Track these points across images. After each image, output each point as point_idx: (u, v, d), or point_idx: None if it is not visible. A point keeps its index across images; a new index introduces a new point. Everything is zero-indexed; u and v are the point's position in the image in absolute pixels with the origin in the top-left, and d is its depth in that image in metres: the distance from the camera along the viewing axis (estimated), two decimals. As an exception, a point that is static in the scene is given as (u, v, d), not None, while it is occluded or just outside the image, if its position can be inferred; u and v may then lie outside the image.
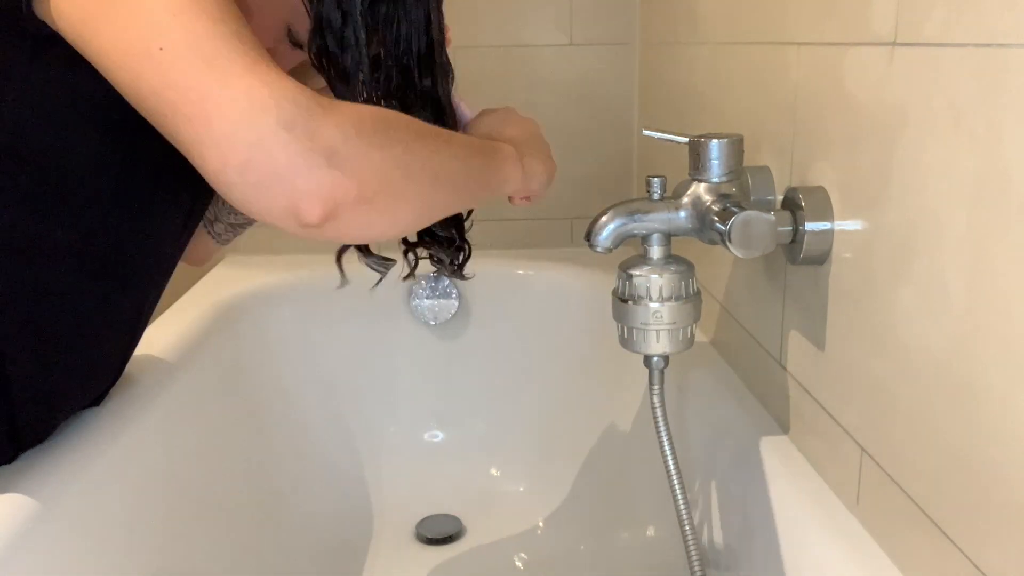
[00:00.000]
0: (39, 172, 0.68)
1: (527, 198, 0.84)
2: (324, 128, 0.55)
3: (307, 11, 0.72)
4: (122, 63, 0.56)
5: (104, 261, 0.74)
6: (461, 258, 0.94)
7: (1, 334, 0.69)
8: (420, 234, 0.90)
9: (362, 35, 0.73)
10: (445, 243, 0.91)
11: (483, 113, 0.87)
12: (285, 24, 0.75)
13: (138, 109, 0.58)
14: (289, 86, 0.55)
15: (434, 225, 0.89)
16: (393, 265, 0.90)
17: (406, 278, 0.93)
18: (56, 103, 0.66)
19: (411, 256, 0.93)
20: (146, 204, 0.77)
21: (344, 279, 0.91)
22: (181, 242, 0.88)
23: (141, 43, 0.55)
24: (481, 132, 0.84)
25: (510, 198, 0.83)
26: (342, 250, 0.90)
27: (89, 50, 0.58)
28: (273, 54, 0.76)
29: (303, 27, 0.74)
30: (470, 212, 0.91)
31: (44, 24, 0.61)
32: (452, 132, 0.73)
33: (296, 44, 0.77)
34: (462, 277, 0.96)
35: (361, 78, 0.74)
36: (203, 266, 1.04)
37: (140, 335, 0.90)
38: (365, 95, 0.75)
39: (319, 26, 0.72)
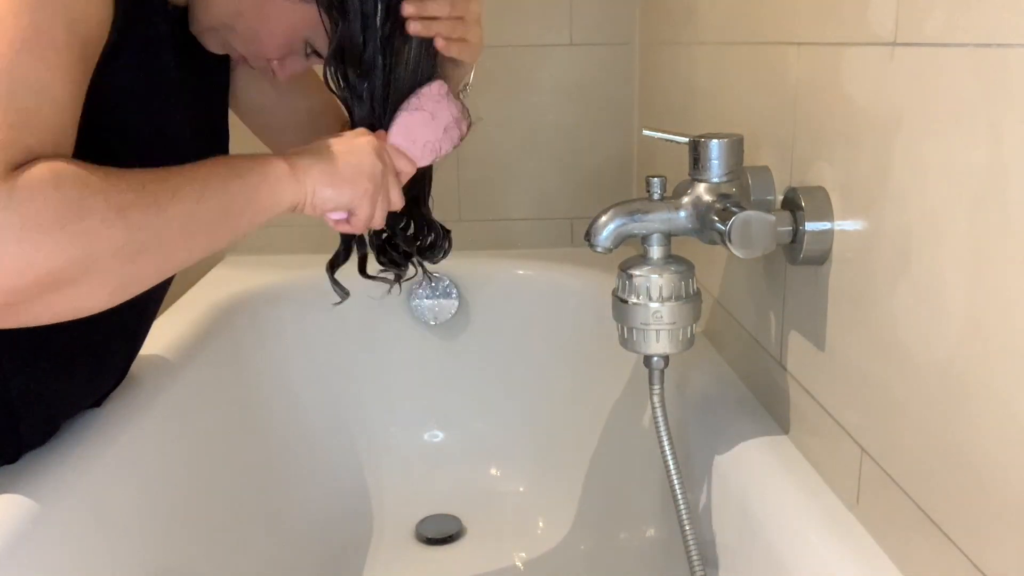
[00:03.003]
0: None
1: (346, 222, 0.75)
2: None
3: (326, 31, 0.74)
4: None
5: None
6: (432, 243, 0.92)
7: (1, 339, 0.69)
8: (384, 246, 0.89)
9: (379, 60, 0.75)
10: (415, 251, 0.91)
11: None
12: (302, 38, 0.77)
13: None
14: None
15: (398, 238, 0.88)
16: (392, 280, 0.91)
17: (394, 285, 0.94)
18: None
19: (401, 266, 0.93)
20: None
21: (343, 293, 0.91)
22: None
23: None
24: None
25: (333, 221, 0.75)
26: (332, 266, 0.89)
27: None
28: (282, 63, 0.79)
29: (321, 43, 0.76)
30: (426, 194, 0.88)
31: None
32: (187, 169, 0.62)
33: (315, 54, 0.78)
34: (433, 260, 0.93)
35: (376, 98, 0.77)
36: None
37: (142, 339, 0.90)
38: (378, 113, 0.78)
39: (340, 47, 0.74)
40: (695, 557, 0.79)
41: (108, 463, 0.83)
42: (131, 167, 0.71)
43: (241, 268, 1.48)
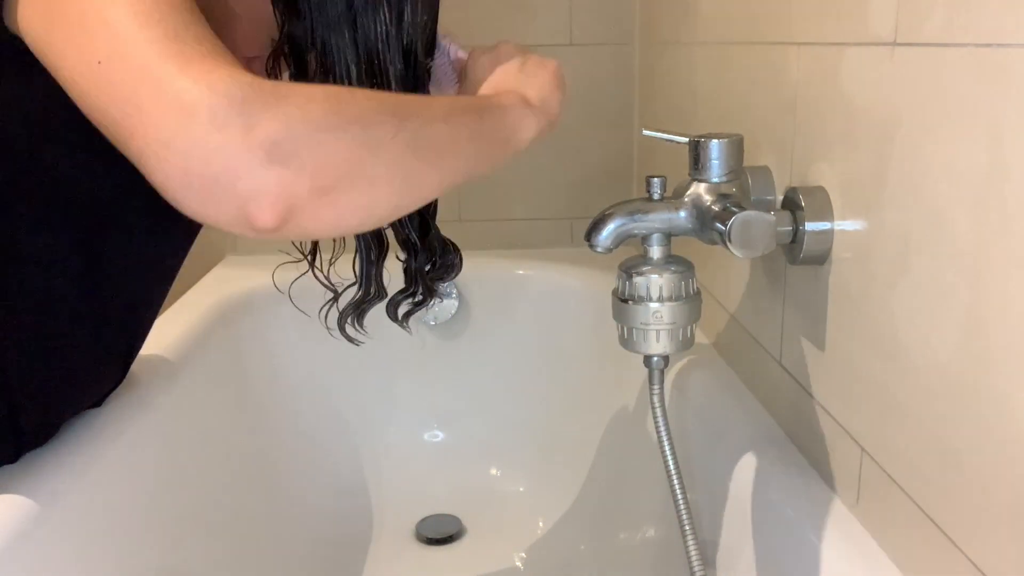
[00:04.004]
0: (37, 182, 0.68)
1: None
2: (262, 121, 0.48)
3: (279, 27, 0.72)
4: (72, 80, 0.53)
5: (105, 269, 0.74)
6: (446, 261, 0.91)
7: (1, 339, 0.69)
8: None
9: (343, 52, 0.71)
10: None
11: (473, 54, 0.80)
12: (269, 37, 0.73)
13: (99, 128, 0.53)
14: (224, 77, 0.49)
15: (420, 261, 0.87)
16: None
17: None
18: (41, 117, 0.64)
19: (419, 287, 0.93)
20: (145, 213, 0.77)
21: (357, 342, 0.93)
22: (184, 246, 0.88)
23: (82, 58, 0.51)
24: (476, 78, 0.76)
25: None
26: (356, 310, 0.91)
27: (48, 65, 0.55)
28: (258, 61, 0.76)
29: None
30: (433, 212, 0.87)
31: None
32: (432, 97, 0.65)
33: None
34: (447, 278, 0.94)
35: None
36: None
37: (143, 339, 0.90)
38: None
39: (285, 45, 0.71)
40: (695, 557, 0.79)
41: (108, 463, 0.83)
42: (114, 161, 0.71)
43: (241, 268, 1.48)
